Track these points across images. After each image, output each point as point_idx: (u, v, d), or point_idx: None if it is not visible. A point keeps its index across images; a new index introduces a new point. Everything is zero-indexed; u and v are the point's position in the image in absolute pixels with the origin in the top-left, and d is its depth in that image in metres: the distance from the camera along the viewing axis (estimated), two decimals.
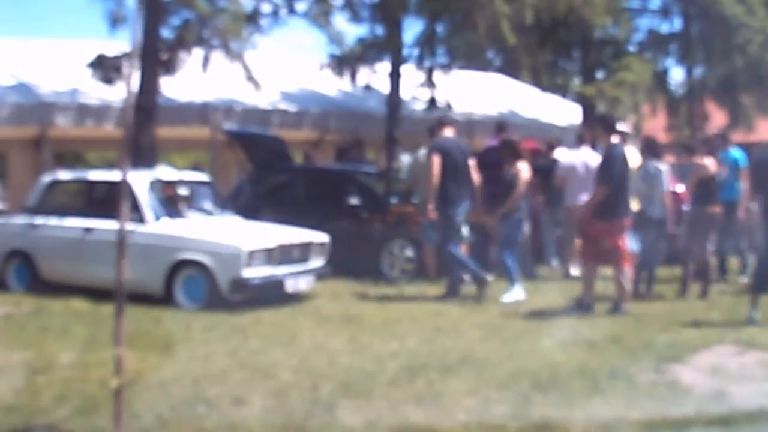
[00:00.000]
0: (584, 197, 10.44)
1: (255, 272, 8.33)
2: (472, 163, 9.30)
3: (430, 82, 15.25)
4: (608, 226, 8.00)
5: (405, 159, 11.41)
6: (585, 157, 10.57)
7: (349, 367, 5.75)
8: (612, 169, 8.00)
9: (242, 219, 9.69)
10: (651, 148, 9.31)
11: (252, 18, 13.52)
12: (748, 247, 10.73)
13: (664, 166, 9.12)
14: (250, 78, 12.65)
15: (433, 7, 13.92)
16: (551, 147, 11.77)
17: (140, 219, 8.69)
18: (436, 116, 10.69)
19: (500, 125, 11.23)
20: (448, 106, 15.51)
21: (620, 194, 8.01)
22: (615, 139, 8.19)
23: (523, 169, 9.22)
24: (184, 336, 6.86)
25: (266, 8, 13.94)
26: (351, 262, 10.19)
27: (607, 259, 8.24)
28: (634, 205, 9.79)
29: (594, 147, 10.46)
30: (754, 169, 8.84)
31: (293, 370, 5.64)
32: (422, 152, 10.16)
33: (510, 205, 9.12)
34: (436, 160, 8.88)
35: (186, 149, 18.11)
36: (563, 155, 11.00)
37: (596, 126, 8.68)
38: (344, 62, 14.73)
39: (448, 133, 9.25)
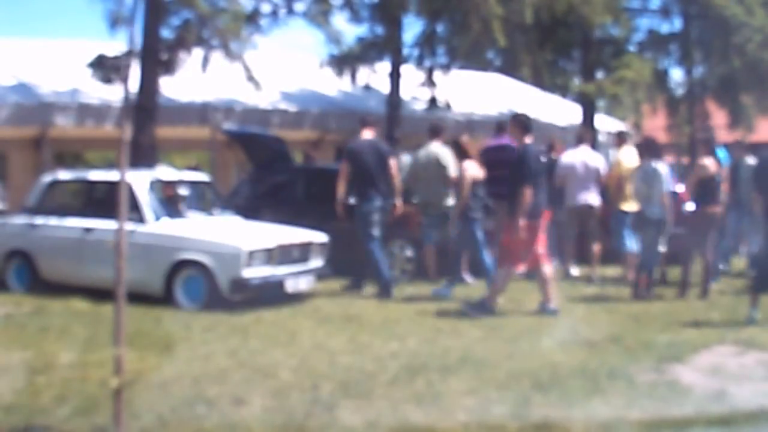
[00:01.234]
0: (584, 197, 10.47)
1: (255, 272, 8.33)
2: (392, 162, 9.62)
3: (430, 82, 15.26)
4: (527, 224, 7.98)
5: (405, 159, 11.38)
6: (585, 157, 10.58)
7: (349, 367, 5.75)
8: (529, 168, 8.07)
9: (242, 219, 9.70)
10: (651, 149, 9.30)
11: (252, 18, 13.52)
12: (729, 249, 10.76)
13: (663, 167, 9.11)
14: (251, 78, 12.65)
15: (433, 7, 13.93)
16: (552, 147, 11.78)
17: (140, 219, 8.69)
18: (434, 118, 10.74)
19: (500, 125, 11.21)
20: (448, 106, 15.53)
21: (535, 193, 8.05)
22: (528, 139, 8.30)
23: (469, 168, 9.33)
24: (184, 336, 6.86)
25: (266, 8, 13.96)
26: (351, 262, 10.18)
27: (526, 259, 8.16)
28: (633, 206, 9.81)
29: (594, 147, 10.50)
30: (758, 171, 8.84)
31: (293, 370, 5.64)
32: (422, 152, 10.16)
33: (459, 206, 9.32)
34: (343, 166, 9.54)
35: (186, 149, 18.14)
36: (564, 155, 11.00)
37: (511, 125, 8.59)
38: (344, 62, 14.73)
39: (367, 134, 9.58)
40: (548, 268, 8.25)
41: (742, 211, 10.47)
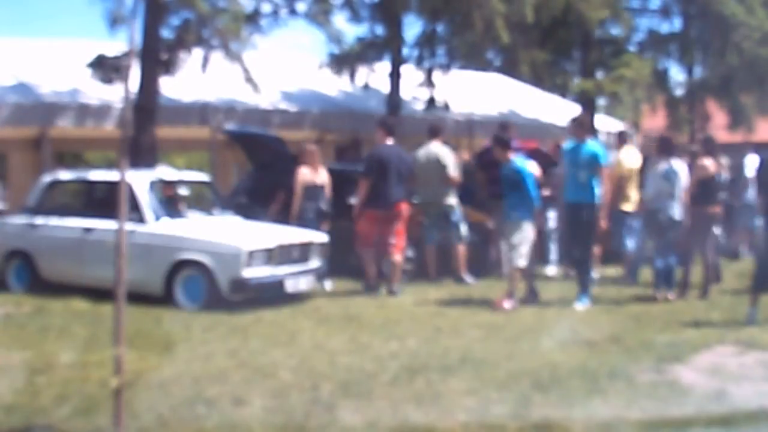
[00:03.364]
0: None
1: (255, 272, 8.33)
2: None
3: (429, 82, 15.25)
4: (375, 214, 9.32)
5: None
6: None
7: (349, 367, 5.75)
8: (369, 165, 9.42)
9: (242, 219, 9.69)
10: (667, 147, 9.30)
11: (252, 18, 13.52)
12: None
13: (680, 165, 9.11)
14: (249, 80, 12.65)
15: (433, 6, 13.92)
16: (558, 146, 11.74)
17: (140, 219, 8.69)
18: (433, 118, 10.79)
19: (503, 125, 11.22)
20: (447, 107, 15.52)
21: (380, 188, 9.24)
22: (389, 141, 9.52)
23: (303, 173, 9.75)
24: (184, 336, 6.86)
25: (266, 8, 13.96)
26: (351, 262, 10.18)
27: (378, 244, 9.41)
28: (633, 206, 9.80)
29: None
30: (760, 171, 8.83)
31: (293, 370, 5.64)
32: (422, 152, 10.17)
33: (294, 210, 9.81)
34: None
35: (186, 149, 18.13)
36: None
37: (376, 127, 9.72)
38: (343, 62, 14.73)
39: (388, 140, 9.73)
40: (398, 257, 9.40)
41: None
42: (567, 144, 9.13)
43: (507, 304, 8.33)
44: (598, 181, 8.59)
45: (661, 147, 9.39)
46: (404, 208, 9.52)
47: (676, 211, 8.95)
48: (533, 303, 8.62)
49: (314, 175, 9.81)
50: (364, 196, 9.35)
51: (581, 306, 8.47)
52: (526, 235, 8.55)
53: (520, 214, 8.57)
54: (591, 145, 8.77)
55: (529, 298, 8.72)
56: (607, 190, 8.74)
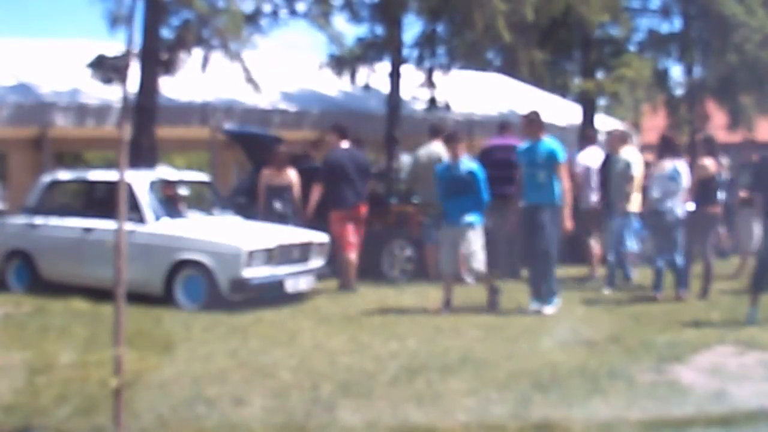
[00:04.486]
0: (594, 198, 10.46)
1: (255, 272, 8.33)
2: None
3: (430, 82, 15.25)
4: (342, 214, 9.59)
5: (405, 159, 11.39)
6: (597, 159, 10.55)
7: (349, 367, 5.75)
8: (325, 170, 9.78)
9: (242, 219, 9.69)
10: (671, 147, 9.32)
11: (252, 18, 13.52)
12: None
13: (683, 165, 9.11)
14: (250, 80, 12.65)
15: (433, 7, 13.92)
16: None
17: (140, 219, 8.69)
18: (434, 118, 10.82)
19: (503, 125, 11.22)
20: (447, 107, 15.52)
21: (340, 190, 9.60)
22: (344, 144, 9.88)
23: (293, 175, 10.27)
24: (184, 336, 6.86)
25: (266, 8, 13.96)
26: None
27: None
28: (635, 206, 9.79)
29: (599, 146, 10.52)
30: (757, 169, 8.84)
31: (293, 370, 5.64)
32: (423, 152, 10.16)
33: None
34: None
35: (186, 149, 18.13)
36: (579, 157, 10.93)
37: (331, 131, 10.05)
38: (343, 62, 14.73)
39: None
40: (352, 256, 9.62)
41: None
42: (522, 144, 8.75)
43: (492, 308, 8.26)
44: (557, 180, 8.27)
45: (663, 147, 9.38)
46: (363, 209, 9.87)
47: (681, 211, 8.97)
48: (495, 309, 8.27)
49: (277, 176, 10.22)
50: (317, 200, 9.78)
51: (550, 309, 8.18)
52: (480, 240, 8.31)
53: (474, 219, 8.29)
54: (547, 142, 8.42)
55: (491, 305, 8.36)
56: (568, 189, 8.36)
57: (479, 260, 8.31)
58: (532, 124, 8.54)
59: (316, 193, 9.78)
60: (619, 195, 9.68)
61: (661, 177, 9.07)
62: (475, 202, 8.31)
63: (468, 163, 8.44)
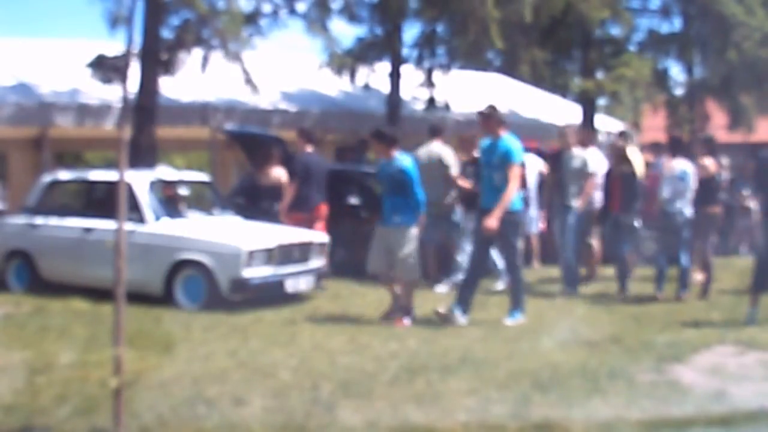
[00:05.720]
0: (598, 198, 10.45)
1: (255, 272, 8.33)
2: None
3: (429, 82, 15.25)
4: (299, 216, 9.67)
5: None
6: (601, 160, 10.53)
7: (349, 367, 5.75)
8: (297, 171, 9.90)
9: (242, 219, 9.70)
10: (680, 147, 9.31)
11: (252, 18, 13.52)
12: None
13: (690, 166, 9.11)
14: (249, 81, 12.66)
15: (431, 12, 13.95)
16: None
17: (140, 219, 8.69)
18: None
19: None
20: (447, 107, 15.52)
21: (303, 192, 9.80)
22: (309, 149, 10.03)
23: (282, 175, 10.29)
24: (184, 336, 6.85)
25: (266, 8, 13.96)
26: (351, 262, 10.18)
27: None
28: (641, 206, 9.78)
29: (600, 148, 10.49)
30: (758, 170, 8.84)
31: (293, 370, 5.64)
32: (423, 152, 10.16)
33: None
34: None
35: (186, 149, 18.11)
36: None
37: (297, 136, 10.19)
38: (342, 64, 14.73)
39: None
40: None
41: None
42: (483, 142, 8.01)
43: (407, 321, 7.68)
44: (509, 182, 7.51)
45: (672, 147, 9.37)
46: (323, 209, 10.01)
47: (689, 212, 8.98)
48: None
49: (265, 175, 10.42)
50: (291, 200, 9.88)
51: (512, 321, 7.62)
52: (413, 244, 7.77)
53: (404, 220, 7.76)
54: (505, 140, 7.68)
55: (396, 313, 7.84)
56: (510, 191, 7.49)
57: (409, 267, 7.77)
58: (489, 119, 7.79)
59: (289, 194, 9.94)
60: (573, 193, 9.42)
61: (671, 178, 9.06)
62: (408, 202, 7.79)
63: (402, 161, 7.84)
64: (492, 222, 7.43)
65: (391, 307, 7.94)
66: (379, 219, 8.05)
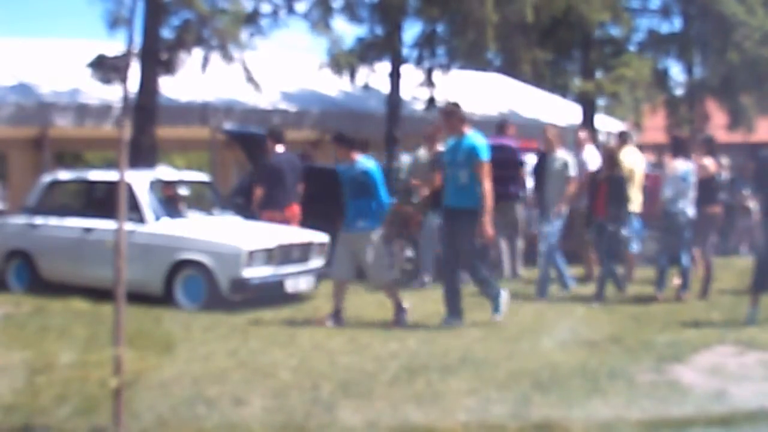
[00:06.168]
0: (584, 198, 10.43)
1: (255, 272, 8.33)
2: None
3: (429, 82, 15.26)
4: (272, 215, 9.64)
5: (405, 159, 11.37)
6: (593, 159, 10.53)
7: (349, 367, 5.75)
8: (264, 173, 10.02)
9: (242, 219, 9.70)
10: (681, 148, 9.28)
11: (252, 18, 13.52)
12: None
13: (692, 166, 9.11)
14: (250, 79, 12.66)
15: (431, 12, 13.96)
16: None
17: (140, 219, 8.69)
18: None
19: (501, 125, 11.21)
20: None
21: (275, 192, 9.81)
22: (279, 149, 9.98)
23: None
24: (184, 336, 6.85)
25: (266, 8, 13.97)
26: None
27: None
28: (636, 206, 9.78)
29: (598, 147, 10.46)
30: (757, 170, 8.83)
31: (293, 370, 5.64)
32: (422, 152, 10.16)
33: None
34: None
35: (186, 149, 18.13)
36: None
37: (267, 137, 10.17)
38: (344, 63, 14.74)
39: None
40: None
41: None
42: (449, 141, 7.78)
43: (329, 322, 7.51)
44: (478, 181, 7.28)
45: (675, 147, 9.35)
46: (296, 209, 9.97)
47: (691, 211, 8.98)
48: (402, 323, 7.53)
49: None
50: (260, 200, 9.88)
51: (499, 316, 7.40)
52: (380, 246, 7.61)
53: (368, 224, 7.54)
54: (470, 138, 7.43)
55: (398, 317, 7.64)
56: (488, 191, 7.27)
57: (381, 269, 7.63)
58: (451, 117, 7.56)
59: (258, 195, 9.97)
60: (554, 196, 9.17)
61: (674, 178, 9.04)
62: (371, 205, 7.56)
63: (364, 164, 7.64)
64: (488, 230, 7.27)
65: (333, 312, 7.62)
66: (343, 225, 7.77)
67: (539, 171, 9.70)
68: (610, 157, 9.06)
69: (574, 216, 9.86)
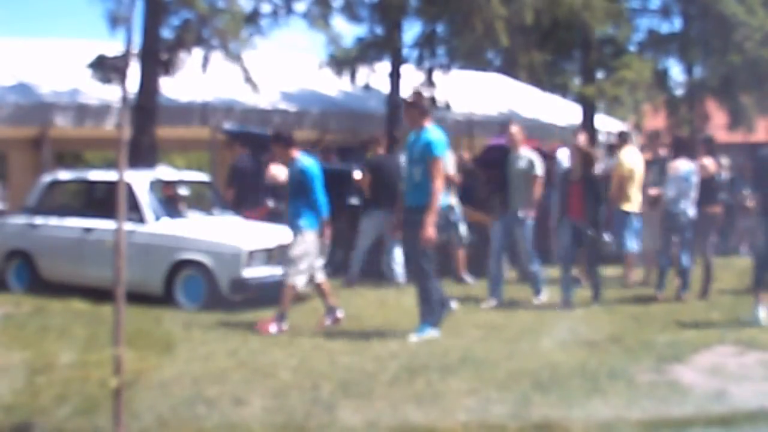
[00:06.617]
0: None
1: (255, 272, 8.33)
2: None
3: (429, 82, 15.25)
4: (248, 213, 9.80)
5: (405, 159, 11.38)
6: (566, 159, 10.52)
7: (349, 367, 5.75)
8: (232, 176, 10.55)
9: (242, 219, 9.70)
10: (684, 147, 9.28)
11: (251, 18, 13.52)
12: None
13: (693, 165, 9.12)
14: (249, 80, 12.66)
15: (432, 10, 13.95)
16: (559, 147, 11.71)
17: (140, 219, 8.69)
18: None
19: (503, 125, 11.21)
20: (448, 106, 15.53)
21: (244, 193, 10.24)
22: (244, 151, 10.55)
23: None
24: (184, 336, 6.86)
25: (266, 8, 13.96)
26: (350, 261, 10.19)
27: None
28: (635, 206, 9.77)
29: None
30: (755, 168, 8.84)
31: (293, 370, 5.64)
32: None
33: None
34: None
35: (186, 149, 18.12)
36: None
37: (232, 141, 10.77)
38: (343, 62, 14.75)
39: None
40: None
41: None
42: (409, 136, 7.25)
43: (273, 328, 7.12)
44: (430, 178, 6.79)
45: (677, 147, 9.35)
46: (265, 211, 10.20)
47: (692, 212, 8.98)
48: (335, 324, 7.44)
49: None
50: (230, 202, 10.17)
51: (417, 338, 6.73)
52: (307, 247, 7.31)
53: (305, 223, 7.36)
54: (427, 132, 6.93)
55: (330, 318, 7.52)
56: (437, 189, 6.80)
57: (298, 271, 7.30)
58: (411, 108, 7.09)
59: (228, 197, 10.37)
60: (518, 196, 8.79)
61: (676, 178, 9.04)
62: (309, 204, 7.41)
63: (302, 162, 7.48)
64: (429, 231, 6.73)
65: (277, 315, 7.28)
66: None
67: (503, 170, 9.02)
68: (584, 156, 8.64)
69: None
